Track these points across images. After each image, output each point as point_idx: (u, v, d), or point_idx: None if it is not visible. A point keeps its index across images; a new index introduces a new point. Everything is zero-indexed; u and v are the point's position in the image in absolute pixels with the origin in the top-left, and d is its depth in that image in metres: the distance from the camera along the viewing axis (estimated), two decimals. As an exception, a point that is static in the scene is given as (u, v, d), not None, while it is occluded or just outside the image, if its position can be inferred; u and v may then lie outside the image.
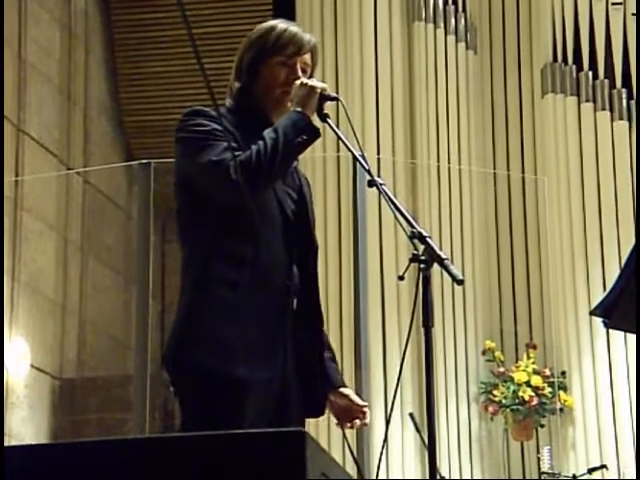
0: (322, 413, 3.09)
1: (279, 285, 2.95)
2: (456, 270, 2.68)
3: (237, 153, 2.86)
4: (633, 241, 5.10)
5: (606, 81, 7.57)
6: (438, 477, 2.76)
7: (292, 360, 2.97)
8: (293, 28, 3.09)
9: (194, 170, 2.95)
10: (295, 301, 3.00)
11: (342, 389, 3.11)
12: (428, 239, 2.73)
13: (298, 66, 3.04)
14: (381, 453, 3.12)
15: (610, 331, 6.76)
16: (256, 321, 2.88)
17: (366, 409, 3.13)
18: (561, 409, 7.18)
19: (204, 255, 2.93)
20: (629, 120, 7.49)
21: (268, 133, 2.90)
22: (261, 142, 2.88)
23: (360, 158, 2.93)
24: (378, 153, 7.44)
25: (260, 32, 3.08)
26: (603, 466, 6.57)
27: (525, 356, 7.32)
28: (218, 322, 2.86)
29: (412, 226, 2.77)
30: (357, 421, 3.11)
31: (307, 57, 3.07)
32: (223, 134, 2.91)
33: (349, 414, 3.11)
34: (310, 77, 3.06)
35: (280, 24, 3.09)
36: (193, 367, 2.85)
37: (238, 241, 2.92)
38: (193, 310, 2.91)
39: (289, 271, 2.98)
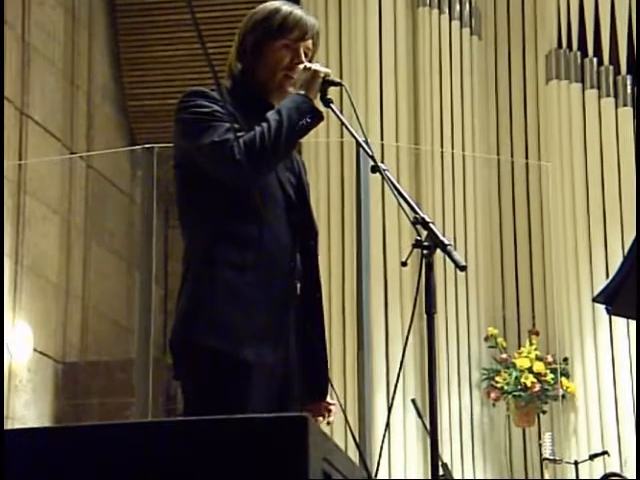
0: (324, 397, 3.09)
1: (284, 266, 2.93)
2: (459, 256, 2.68)
3: (240, 134, 2.85)
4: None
5: (611, 67, 7.54)
6: (440, 463, 2.77)
7: (295, 343, 2.96)
8: (298, 11, 3.08)
9: (196, 151, 2.92)
10: (298, 285, 2.99)
11: None
12: (431, 225, 2.72)
13: (302, 50, 3.03)
14: (383, 439, 3.11)
15: (612, 318, 6.76)
16: (262, 303, 2.87)
17: (333, 407, 3.11)
18: (563, 395, 7.18)
19: (207, 237, 2.91)
20: (633, 107, 7.48)
21: (272, 115, 2.89)
22: (265, 124, 2.86)
23: (364, 144, 2.93)
24: (382, 139, 7.43)
25: (264, 13, 3.06)
26: (605, 452, 6.58)
27: (527, 342, 7.32)
28: (225, 304, 2.85)
29: (415, 212, 2.76)
30: (320, 418, 3.09)
31: (310, 42, 3.07)
32: (225, 115, 2.89)
33: (316, 410, 3.08)
34: (310, 61, 3.04)
35: (284, 6, 3.07)
36: (200, 348, 2.84)
37: (241, 222, 2.90)
38: (199, 292, 2.89)
39: (293, 252, 2.97)
